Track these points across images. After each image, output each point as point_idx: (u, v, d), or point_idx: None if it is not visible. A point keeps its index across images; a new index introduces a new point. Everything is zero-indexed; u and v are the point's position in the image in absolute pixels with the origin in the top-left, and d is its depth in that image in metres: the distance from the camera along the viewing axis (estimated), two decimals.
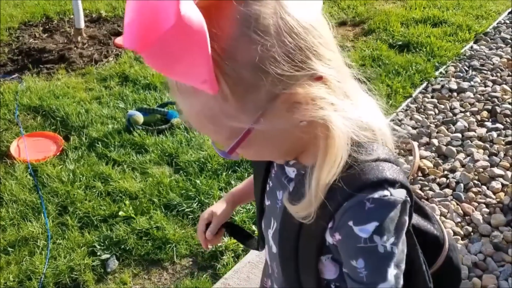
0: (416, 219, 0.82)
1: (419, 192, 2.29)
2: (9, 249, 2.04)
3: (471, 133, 2.65)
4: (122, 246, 2.03)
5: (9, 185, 2.35)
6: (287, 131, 0.63)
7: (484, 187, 2.29)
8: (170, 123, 2.75)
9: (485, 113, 2.81)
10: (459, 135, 2.65)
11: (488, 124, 2.72)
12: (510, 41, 3.59)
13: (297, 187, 0.70)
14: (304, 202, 0.65)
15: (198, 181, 2.32)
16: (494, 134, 2.62)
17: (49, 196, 2.29)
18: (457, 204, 2.21)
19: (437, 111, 2.89)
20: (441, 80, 3.18)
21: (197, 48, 0.51)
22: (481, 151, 2.52)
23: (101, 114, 2.85)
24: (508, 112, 2.78)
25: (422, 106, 2.94)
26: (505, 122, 2.72)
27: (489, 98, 2.94)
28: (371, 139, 0.66)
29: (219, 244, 1.08)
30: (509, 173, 2.35)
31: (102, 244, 2.04)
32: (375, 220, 0.63)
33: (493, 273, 1.89)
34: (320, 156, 0.63)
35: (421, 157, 2.50)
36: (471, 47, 3.59)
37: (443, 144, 2.58)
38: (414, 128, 2.75)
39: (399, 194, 0.65)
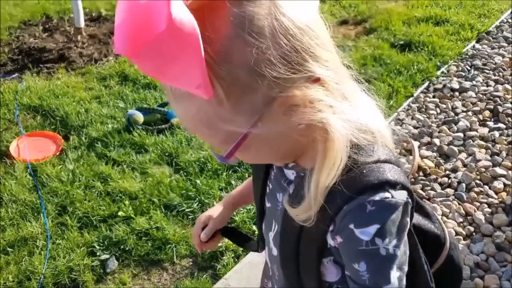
0: (417, 218, 0.81)
1: (421, 192, 2.28)
2: (8, 249, 2.04)
3: (473, 133, 2.63)
4: (122, 247, 2.02)
5: (9, 185, 2.34)
6: (284, 134, 0.61)
7: (486, 187, 2.27)
8: (170, 123, 2.74)
9: (487, 113, 2.80)
10: (461, 134, 2.63)
11: (490, 123, 2.71)
12: None
13: (297, 189, 0.70)
14: (303, 205, 0.64)
15: (198, 181, 2.31)
16: (496, 133, 2.61)
17: (49, 196, 2.28)
18: (459, 204, 2.19)
19: (438, 111, 2.88)
20: (443, 80, 3.17)
21: (190, 52, 0.50)
22: (483, 150, 2.51)
23: (101, 113, 2.84)
24: (510, 111, 2.77)
25: (424, 106, 2.93)
26: (507, 122, 2.70)
27: (491, 97, 2.93)
28: (370, 141, 0.65)
29: (216, 248, 1.06)
30: (511, 172, 2.33)
31: (102, 245, 2.03)
32: (377, 222, 0.62)
33: (495, 273, 1.87)
34: (319, 159, 0.62)
35: (423, 157, 2.49)
36: (473, 46, 3.57)
37: (444, 144, 2.57)
38: (415, 127, 2.74)
39: (400, 196, 0.64)
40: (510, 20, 3.91)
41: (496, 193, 2.23)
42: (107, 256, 1.99)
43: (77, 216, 2.16)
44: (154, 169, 2.43)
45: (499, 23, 3.87)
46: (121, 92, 3.05)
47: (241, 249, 1.98)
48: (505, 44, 3.54)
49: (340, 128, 0.60)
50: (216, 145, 0.65)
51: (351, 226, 0.63)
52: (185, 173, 2.39)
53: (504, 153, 2.47)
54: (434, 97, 3.01)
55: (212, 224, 0.98)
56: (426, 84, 3.14)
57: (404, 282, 0.65)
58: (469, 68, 3.29)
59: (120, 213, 2.16)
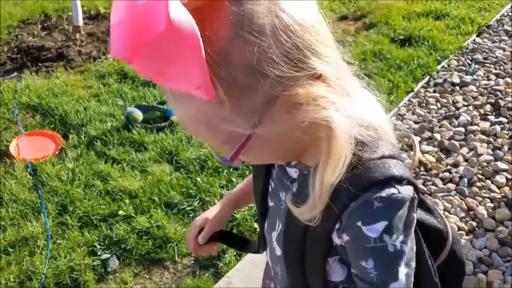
0: (419, 213, 0.80)
1: (422, 187, 2.27)
2: (9, 249, 2.03)
3: (474, 127, 2.62)
4: (123, 246, 2.01)
5: (9, 184, 2.33)
6: (287, 133, 0.61)
7: (488, 182, 2.26)
8: (169, 120, 2.72)
9: (488, 107, 2.78)
10: (462, 129, 2.62)
11: (492, 117, 2.69)
12: None
13: (301, 188, 0.69)
14: (308, 204, 0.64)
15: (199, 179, 2.30)
16: (498, 127, 2.60)
17: (49, 196, 2.27)
18: (461, 199, 2.18)
19: (439, 106, 2.86)
20: (444, 74, 3.15)
21: (189, 53, 0.49)
22: (485, 145, 2.50)
23: (100, 111, 2.83)
24: (511, 105, 2.75)
25: (424, 101, 2.91)
26: (508, 116, 2.69)
27: (492, 91, 2.91)
28: (374, 137, 0.64)
29: (212, 253, 1.04)
30: None
31: (102, 244, 2.03)
32: (384, 219, 0.62)
33: (499, 268, 1.86)
34: (323, 157, 0.61)
35: (424, 152, 2.47)
36: (474, 40, 3.55)
37: (445, 139, 2.56)
38: (416, 122, 2.73)
39: (407, 191, 0.63)
40: (510, 14, 3.88)
41: (499, 188, 2.22)
42: (108, 255, 1.98)
43: (77, 216, 2.16)
44: (154, 167, 2.42)
45: (500, 16, 3.85)
46: (120, 90, 3.04)
47: None
48: (506, 38, 3.52)
49: (343, 124, 0.59)
50: (216, 145, 0.64)
51: (359, 223, 0.62)
52: (185, 171, 2.38)
53: (506, 147, 2.46)
54: (434, 91, 3.00)
55: (209, 226, 0.97)
56: (427, 78, 3.12)
57: (412, 279, 0.65)
58: (469, 62, 3.27)
59: (120, 212, 2.15)
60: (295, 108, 0.57)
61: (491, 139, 2.52)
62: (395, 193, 0.62)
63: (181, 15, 0.48)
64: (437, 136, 2.58)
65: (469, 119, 2.69)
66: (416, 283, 0.67)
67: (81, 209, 2.18)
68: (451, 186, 2.26)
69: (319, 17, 0.59)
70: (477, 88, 2.97)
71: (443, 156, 2.45)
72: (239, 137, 0.58)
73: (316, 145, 0.62)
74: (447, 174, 2.33)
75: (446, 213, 2.12)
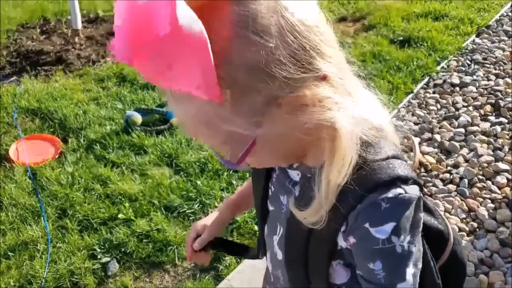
0: None
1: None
2: (9, 253, 2.02)
3: (475, 128, 2.62)
4: (123, 249, 2.01)
5: (9, 189, 2.33)
6: (287, 133, 0.60)
7: (489, 182, 2.26)
8: (169, 123, 2.72)
9: (488, 107, 2.78)
10: (462, 130, 2.62)
11: (492, 118, 2.69)
12: None
13: (304, 190, 0.68)
14: (313, 206, 0.63)
15: (199, 182, 2.30)
16: (498, 128, 2.59)
17: (49, 200, 2.27)
18: (462, 200, 2.18)
19: (439, 106, 2.86)
20: (443, 75, 3.15)
21: (195, 55, 0.49)
22: (485, 145, 2.49)
23: (99, 115, 2.83)
24: (511, 105, 2.75)
25: (424, 102, 2.91)
26: (509, 116, 2.69)
27: (492, 92, 2.91)
28: (377, 137, 0.64)
29: (206, 263, 1.03)
30: None
31: (102, 247, 2.02)
32: (392, 220, 0.61)
33: (500, 269, 1.86)
34: (327, 157, 0.61)
35: (424, 153, 2.47)
36: (473, 40, 3.55)
37: (445, 140, 2.55)
38: (416, 124, 2.72)
39: (413, 190, 0.63)
40: (510, 14, 3.88)
41: (499, 188, 2.22)
42: (108, 259, 1.98)
43: (77, 219, 2.15)
44: (154, 171, 2.41)
45: (499, 16, 3.85)
46: (119, 93, 3.04)
47: None
48: (506, 38, 3.52)
49: (347, 125, 0.59)
50: (216, 146, 0.63)
51: (366, 225, 0.62)
52: (185, 174, 2.38)
53: (506, 148, 2.46)
54: (434, 92, 3.00)
55: (207, 232, 0.96)
56: (426, 79, 3.12)
57: (418, 279, 0.65)
58: (469, 62, 3.27)
59: (120, 216, 2.14)
60: (300, 110, 0.57)
61: (492, 140, 2.52)
62: (402, 193, 0.62)
63: (189, 18, 0.48)
64: (437, 137, 2.58)
65: (469, 119, 2.68)
66: (419, 284, 0.66)
67: (81, 213, 2.17)
68: (451, 187, 2.25)
69: (321, 17, 0.59)
70: (477, 88, 2.97)
71: (443, 157, 2.44)
72: (239, 137, 0.58)
73: (318, 145, 0.62)
74: (447, 175, 2.33)
75: (447, 214, 2.12)
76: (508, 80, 3.00)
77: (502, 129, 2.58)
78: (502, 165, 2.32)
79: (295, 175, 0.72)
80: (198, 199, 2.22)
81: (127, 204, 2.20)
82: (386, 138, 0.66)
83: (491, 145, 2.49)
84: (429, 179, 2.31)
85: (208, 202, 2.20)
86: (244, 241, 2.02)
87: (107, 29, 3.82)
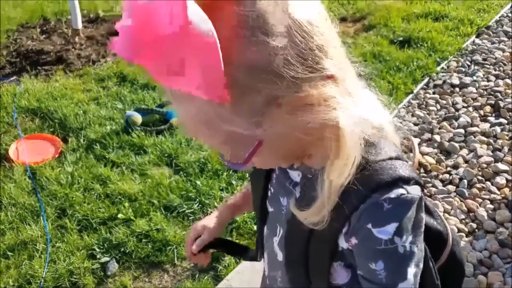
0: None
1: None
2: (8, 253, 2.03)
3: (474, 129, 2.62)
4: (122, 249, 2.01)
5: (8, 188, 2.33)
6: (287, 133, 0.60)
7: (488, 183, 2.26)
8: (169, 123, 2.72)
9: (488, 108, 2.78)
10: (462, 130, 2.62)
11: (491, 119, 2.69)
12: None
13: (305, 191, 0.68)
14: (315, 206, 0.63)
15: (198, 182, 2.30)
16: (498, 129, 2.59)
17: (48, 199, 2.27)
18: (461, 201, 2.18)
19: (439, 107, 2.86)
20: (443, 76, 3.15)
21: (204, 56, 0.49)
22: (485, 146, 2.49)
23: (99, 115, 2.83)
24: (511, 106, 2.75)
25: (424, 102, 2.91)
26: (508, 117, 2.69)
27: (492, 92, 2.91)
28: (378, 137, 0.64)
29: (206, 264, 1.03)
30: None
31: (102, 247, 2.02)
32: (395, 220, 0.62)
33: (499, 270, 1.86)
34: (331, 157, 0.61)
35: (423, 154, 2.47)
36: (473, 41, 3.55)
37: (445, 140, 2.55)
38: (416, 124, 2.72)
39: (415, 191, 0.63)
40: (510, 15, 3.88)
41: (499, 189, 2.22)
42: (108, 258, 1.98)
43: (76, 219, 2.15)
44: (154, 170, 2.41)
45: (499, 17, 3.85)
46: (119, 93, 3.04)
47: None
48: (505, 39, 3.52)
49: (350, 124, 0.59)
50: (216, 146, 0.63)
51: (369, 226, 0.62)
52: (185, 174, 2.38)
53: (506, 149, 2.46)
54: (434, 93, 3.00)
55: (207, 235, 0.96)
56: (426, 80, 3.12)
57: (418, 278, 0.65)
58: (469, 63, 3.27)
59: (119, 215, 2.14)
60: (301, 109, 0.57)
61: (491, 141, 2.52)
62: (404, 194, 0.62)
63: (199, 17, 0.48)
64: (437, 137, 2.58)
65: (469, 120, 2.68)
66: (419, 285, 0.66)
67: (80, 213, 2.17)
68: (451, 187, 2.25)
69: (325, 15, 0.58)
70: (476, 89, 2.97)
71: (443, 157, 2.44)
72: (239, 137, 0.58)
73: (320, 145, 0.61)
74: (447, 175, 2.33)
75: (446, 215, 2.12)
76: (508, 81, 3.00)
77: (502, 130, 2.58)
78: (501, 166, 2.32)
79: (295, 175, 0.72)
80: (197, 199, 2.22)
81: (126, 204, 2.20)
82: (386, 138, 0.66)
83: (491, 146, 2.49)
84: (429, 179, 2.31)
85: (208, 202, 2.20)
86: (243, 241, 2.02)
87: (108, 29, 3.82)
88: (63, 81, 3.20)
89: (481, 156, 2.40)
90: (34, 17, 4.12)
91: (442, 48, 3.43)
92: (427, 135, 2.61)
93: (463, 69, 3.20)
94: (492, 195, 2.18)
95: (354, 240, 0.65)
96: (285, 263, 0.76)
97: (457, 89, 3.01)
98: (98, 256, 1.99)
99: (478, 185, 2.24)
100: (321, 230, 0.64)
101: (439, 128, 2.66)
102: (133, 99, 2.98)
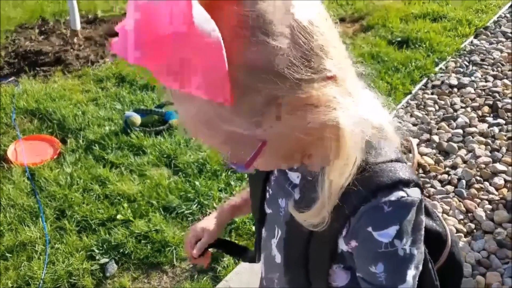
0: None
1: None
2: (7, 254, 2.02)
3: (472, 129, 2.62)
4: (121, 250, 2.01)
5: (7, 189, 2.33)
6: (291, 134, 0.59)
7: (487, 183, 2.26)
8: (168, 124, 2.72)
9: (486, 108, 2.79)
10: (460, 131, 2.62)
11: (490, 119, 2.70)
12: (510, 35, 3.56)
13: (304, 192, 0.68)
14: (315, 207, 0.63)
15: (197, 183, 2.30)
16: (496, 129, 2.60)
17: (47, 200, 2.27)
18: (459, 201, 2.18)
19: (437, 107, 2.87)
20: (441, 76, 3.15)
21: (206, 56, 0.49)
22: (483, 146, 2.50)
23: (98, 116, 2.83)
24: (509, 107, 2.76)
25: (422, 103, 2.91)
26: (506, 117, 2.69)
27: (490, 93, 2.92)
28: (378, 137, 0.64)
29: (206, 265, 1.03)
30: (511, 168, 2.32)
31: (101, 248, 2.02)
32: (395, 223, 0.62)
33: (497, 270, 1.86)
34: (330, 157, 0.60)
35: (422, 154, 2.48)
36: (471, 42, 3.56)
37: (444, 141, 2.56)
38: (414, 125, 2.73)
39: (415, 193, 0.64)
40: (508, 15, 3.89)
41: (497, 189, 2.22)
42: (107, 260, 1.98)
43: (75, 220, 2.15)
44: (153, 171, 2.42)
45: (497, 18, 3.86)
46: (118, 94, 3.04)
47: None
48: (504, 39, 3.52)
49: (350, 124, 0.59)
50: (216, 146, 0.63)
51: (369, 229, 0.62)
52: (183, 175, 2.38)
53: (504, 149, 2.46)
54: (432, 93, 3.00)
55: (206, 237, 0.96)
56: (424, 80, 3.12)
57: (417, 279, 0.66)
58: (467, 64, 3.28)
59: (118, 216, 2.14)
60: (301, 109, 0.56)
61: (489, 141, 2.52)
62: (404, 196, 0.62)
63: (203, 17, 0.47)
64: (435, 138, 2.58)
65: (467, 121, 2.69)
66: (418, 286, 0.67)
67: (79, 214, 2.17)
68: (449, 188, 2.26)
69: (325, 15, 0.58)
70: (475, 89, 2.98)
71: (441, 158, 2.45)
72: (239, 137, 0.57)
73: (318, 145, 0.61)
74: (445, 176, 2.33)
75: (445, 215, 2.12)
76: (506, 81, 3.01)
77: (500, 130, 2.59)
78: (499, 166, 2.33)
79: (295, 177, 0.72)
80: (196, 200, 2.22)
81: (125, 205, 2.20)
82: (386, 138, 0.65)
83: (489, 146, 2.49)
84: (427, 180, 2.31)
85: (207, 203, 2.21)
86: (242, 241, 2.02)
87: (106, 30, 3.82)
88: (61, 82, 3.20)
89: (479, 156, 2.41)
90: (34, 17, 4.12)
91: (440, 48, 3.43)
92: (425, 136, 2.62)
93: (461, 70, 3.20)
94: (490, 196, 2.19)
95: (354, 243, 0.65)
96: (284, 265, 0.76)
97: (455, 89, 3.01)
98: (97, 257, 1.99)
99: (476, 186, 2.25)
100: (321, 231, 0.64)
101: (438, 129, 2.67)
102: (132, 99, 2.98)
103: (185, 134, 0.62)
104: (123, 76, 3.21)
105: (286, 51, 0.52)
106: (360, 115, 0.60)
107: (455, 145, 2.51)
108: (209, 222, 0.97)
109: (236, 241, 2.00)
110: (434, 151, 2.51)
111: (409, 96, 2.98)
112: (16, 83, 3.23)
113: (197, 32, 0.47)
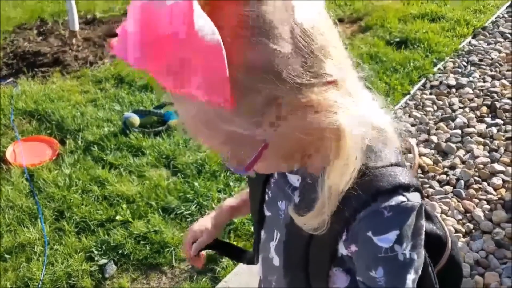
0: None
1: None
2: (6, 256, 2.02)
3: (471, 129, 2.63)
4: (120, 251, 2.01)
5: (5, 190, 2.32)
6: (291, 134, 0.59)
7: (485, 184, 2.27)
8: (166, 125, 2.72)
9: (484, 109, 2.79)
10: (459, 131, 2.63)
11: (488, 119, 2.70)
12: (509, 35, 3.57)
13: (304, 194, 0.68)
14: (315, 210, 0.63)
15: (196, 183, 2.30)
16: (494, 129, 2.60)
17: (46, 201, 2.27)
18: (458, 201, 2.19)
19: (435, 108, 2.87)
20: (440, 76, 3.16)
21: (207, 58, 0.49)
22: (481, 147, 2.50)
23: (97, 117, 2.83)
24: (507, 107, 2.76)
25: (421, 103, 2.92)
26: (505, 118, 2.70)
27: (488, 93, 2.92)
28: (378, 139, 0.64)
29: (201, 266, 1.03)
30: (509, 168, 2.32)
31: (100, 249, 2.02)
32: (395, 228, 0.61)
33: (496, 270, 1.87)
34: (331, 157, 0.60)
35: (421, 155, 2.48)
36: (470, 42, 3.56)
37: (442, 141, 2.56)
38: (413, 125, 2.73)
39: (415, 198, 0.63)
40: (506, 15, 3.90)
41: (495, 190, 2.23)
42: (106, 261, 1.98)
43: (74, 221, 2.15)
44: (151, 172, 2.42)
45: (495, 18, 3.87)
46: (117, 95, 3.04)
47: None
48: (502, 39, 3.53)
49: (350, 125, 0.58)
50: (216, 146, 0.63)
51: (369, 233, 0.62)
52: (182, 176, 2.38)
53: (502, 149, 2.47)
54: (431, 94, 3.01)
55: (205, 237, 0.96)
56: (423, 81, 3.13)
57: (416, 283, 0.66)
58: (465, 64, 3.28)
59: (117, 217, 2.15)
60: (301, 110, 0.56)
61: (488, 141, 2.53)
62: (404, 201, 0.62)
63: (204, 19, 0.48)
64: (434, 138, 2.59)
65: (466, 121, 2.70)
66: None
67: (78, 215, 2.17)
68: (448, 188, 2.26)
69: (325, 15, 0.58)
70: (473, 90, 2.98)
71: (440, 158, 2.45)
72: (239, 137, 0.57)
73: (319, 145, 0.61)
74: (444, 176, 2.34)
75: (443, 215, 2.13)
76: (504, 81, 3.01)
77: (498, 131, 2.59)
78: (498, 167, 2.33)
79: (295, 180, 0.72)
80: (195, 201, 2.22)
81: (124, 206, 2.20)
82: (386, 139, 0.65)
83: (487, 147, 2.50)
84: (426, 180, 2.32)
85: (206, 204, 2.21)
86: (241, 242, 2.03)
87: (105, 31, 3.82)
88: (60, 83, 3.20)
89: (478, 156, 2.42)
90: (34, 17, 4.12)
91: (439, 49, 3.44)
92: (424, 136, 2.62)
93: (460, 70, 3.21)
94: (489, 196, 2.19)
95: (354, 247, 0.65)
96: (284, 267, 0.76)
97: (454, 90, 3.02)
98: (96, 258, 1.99)
99: (474, 186, 2.25)
100: (321, 234, 0.64)
101: (436, 129, 2.67)
102: (131, 100, 2.98)
103: (184, 134, 0.62)
104: (122, 77, 3.21)
105: (286, 52, 0.52)
106: (360, 115, 0.60)
107: (453, 145, 2.51)
108: (208, 222, 0.97)
109: (235, 242, 2.00)
110: (433, 151, 2.51)
111: (407, 97, 2.98)
112: (14, 84, 3.23)
113: (197, 32, 0.47)
